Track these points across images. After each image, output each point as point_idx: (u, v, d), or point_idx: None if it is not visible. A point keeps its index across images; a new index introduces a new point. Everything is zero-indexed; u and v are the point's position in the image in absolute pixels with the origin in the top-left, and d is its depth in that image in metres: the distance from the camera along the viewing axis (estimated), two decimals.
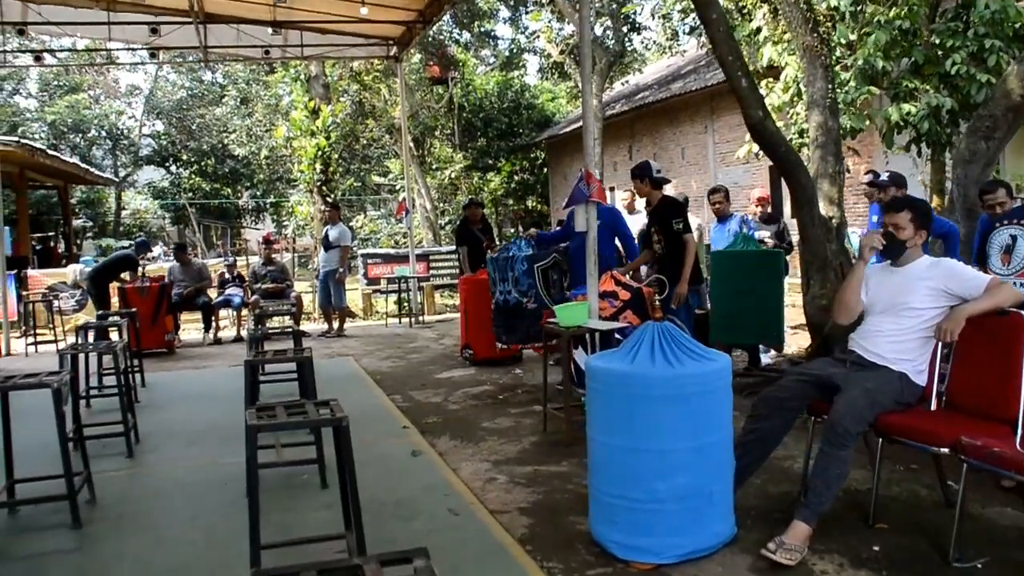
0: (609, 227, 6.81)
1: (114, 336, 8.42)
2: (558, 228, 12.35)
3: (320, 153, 14.05)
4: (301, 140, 14.23)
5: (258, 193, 30.62)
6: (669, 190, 8.01)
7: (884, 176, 6.18)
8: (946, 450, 3.53)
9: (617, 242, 7.33)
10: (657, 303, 3.68)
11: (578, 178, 5.87)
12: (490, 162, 24.45)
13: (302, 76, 14.92)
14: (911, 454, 3.98)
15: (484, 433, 5.77)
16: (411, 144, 18.77)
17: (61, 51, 19.43)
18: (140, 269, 10.55)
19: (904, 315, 3.96)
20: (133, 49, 11.65)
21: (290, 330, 6.60)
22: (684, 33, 20.27)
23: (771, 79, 10.19)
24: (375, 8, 10.01)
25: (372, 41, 11.95)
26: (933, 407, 4.09)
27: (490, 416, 6.29)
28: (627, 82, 23.09)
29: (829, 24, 8.00)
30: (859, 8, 9.25)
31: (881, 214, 6.18)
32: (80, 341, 6.73)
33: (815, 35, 7.81)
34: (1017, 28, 8.66)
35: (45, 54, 12.29)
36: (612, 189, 20.91)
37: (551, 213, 27.18)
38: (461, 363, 8.80)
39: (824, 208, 7.24)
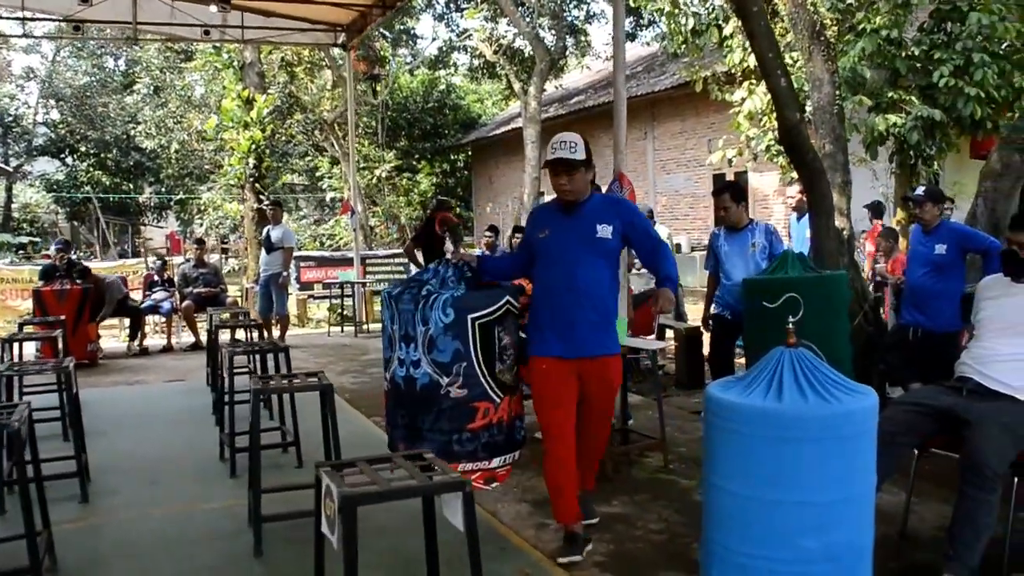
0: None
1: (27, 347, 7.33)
2: (507, 251, 10.14)
3: (254, 147, 12.97)
4: (233, 132, 13.11)
5: (163, 189, 28.77)
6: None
7: (919, 191, 5.77)
8: None
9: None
10: (790, 326, 3.07)
11: (611, 181, 5.27)
12: (413, 163, 23.70)
13: (235, 63, 13.81)
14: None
15: None
16: (343, 141, 17.82)
17: None
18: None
19: None
20: (51, 20, 10.34)
21: (266, 344, 5.67)
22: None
23: (752, 80, 9.82)
24: None
25: (319, 27, 11.04)
26: None
27: None
28: (560, 86, 22.66)
29: (835, 29, 7.62)
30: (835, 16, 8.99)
31: (922, 234, 5.80)
32: (8, 358, 5.69)
33: (822, 39, 7.44)
34: (1005, 45, 8.53)
35: None
36: (542, 194, 20.42)
37: (474, 218, 26.57)
38: None
39: (835, 219, 6.85)
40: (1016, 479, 3.47)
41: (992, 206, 6.23)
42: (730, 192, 5.63)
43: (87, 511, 4.29)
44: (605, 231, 3.66)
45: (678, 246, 16.65)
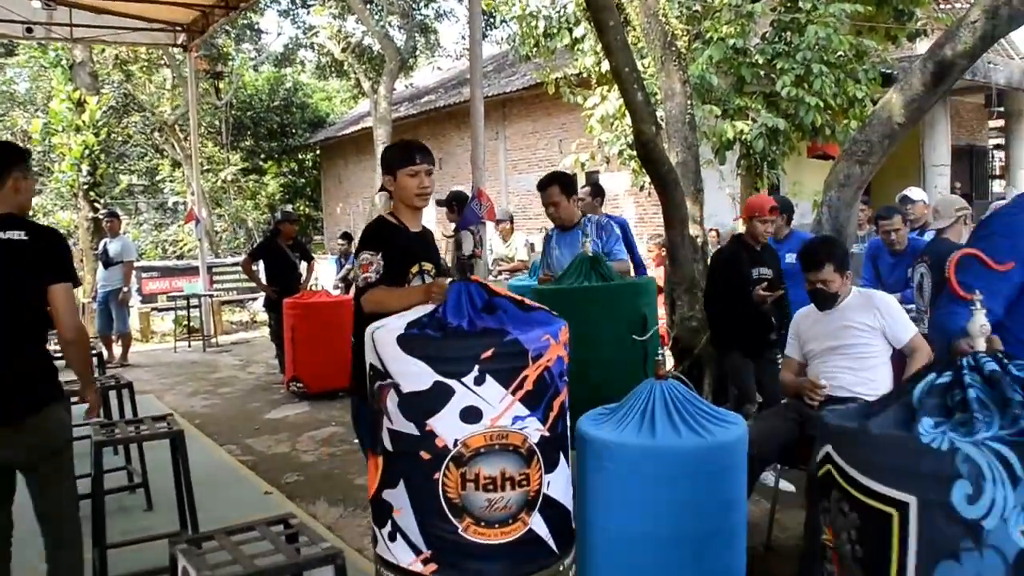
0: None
1: None
2: (342, 262, 9.90)
3: (87, 152, 12.05)
4: (63, 136, 12.14)
5: None
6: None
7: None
8: None
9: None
10: (661, 357, 3.07)
11: (470, 197, 5.18)
12: (259, 163, 22.86)
13: (64, 61, 12.78)
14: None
15: (364, 492, 4.88)
16: (184, 144, 16.94)
17: None
18: None
19: (848, 354, 3.77)
20: None
21: (107, 379, 5.24)
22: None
23: (606, 87, 9.98)
24: None
25: (157, 26, 10.37)
26: None
27: (359, 468, 5.37)
28: (411, 85, 22.43)
29: (686, 39, 7.83)
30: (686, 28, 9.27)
31: (773, 242, 6.02)
32: None
33: (673, 49, 7.61)
34: (838, 55, 9.04)
35: None
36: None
37: (323, 217, 25.95)
38: (288, 398, 7.73)
39: (689, 227, 7.04)
40: None
41: (836, 215, 6.54)
42: (558, 185, 4.69)
43: None
44: None
45: (532, 245, 16.88)
